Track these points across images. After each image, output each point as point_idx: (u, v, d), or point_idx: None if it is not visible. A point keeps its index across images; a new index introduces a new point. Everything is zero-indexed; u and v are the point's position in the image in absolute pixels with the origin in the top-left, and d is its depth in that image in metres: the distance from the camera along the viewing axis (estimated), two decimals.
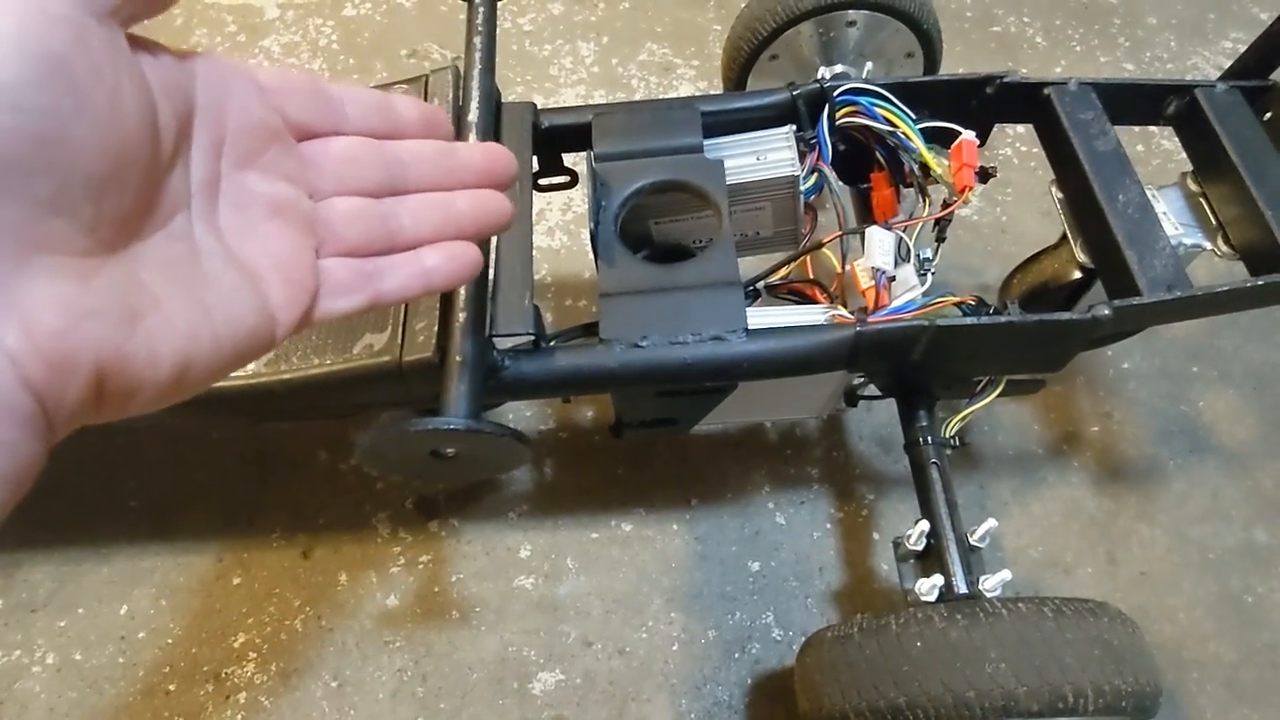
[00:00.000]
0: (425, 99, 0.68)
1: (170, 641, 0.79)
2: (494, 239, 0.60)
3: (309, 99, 0.30)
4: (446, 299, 0.57)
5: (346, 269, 0.30)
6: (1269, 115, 0.68)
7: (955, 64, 1.19)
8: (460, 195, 0.33)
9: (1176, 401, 0.93)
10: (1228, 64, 0.73)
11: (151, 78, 0.24)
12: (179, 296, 0.24)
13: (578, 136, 0.68)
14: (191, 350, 0.24)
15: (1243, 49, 0.71)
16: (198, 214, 0.26)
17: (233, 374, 0.59)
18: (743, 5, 0.89)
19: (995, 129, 0.74)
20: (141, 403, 0.24)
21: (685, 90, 1.17)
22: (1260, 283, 0.60)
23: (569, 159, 0.73)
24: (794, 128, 0.69)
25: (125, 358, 0.22)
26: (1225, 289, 0.59)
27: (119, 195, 0.23)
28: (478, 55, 0.64)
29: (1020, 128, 1.14)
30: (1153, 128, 1.12)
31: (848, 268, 0.67)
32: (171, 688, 0.77)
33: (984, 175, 0.68)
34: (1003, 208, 1.06)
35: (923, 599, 0.63)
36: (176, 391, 0.24)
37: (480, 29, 0.64)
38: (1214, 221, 0.67)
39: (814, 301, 0.68)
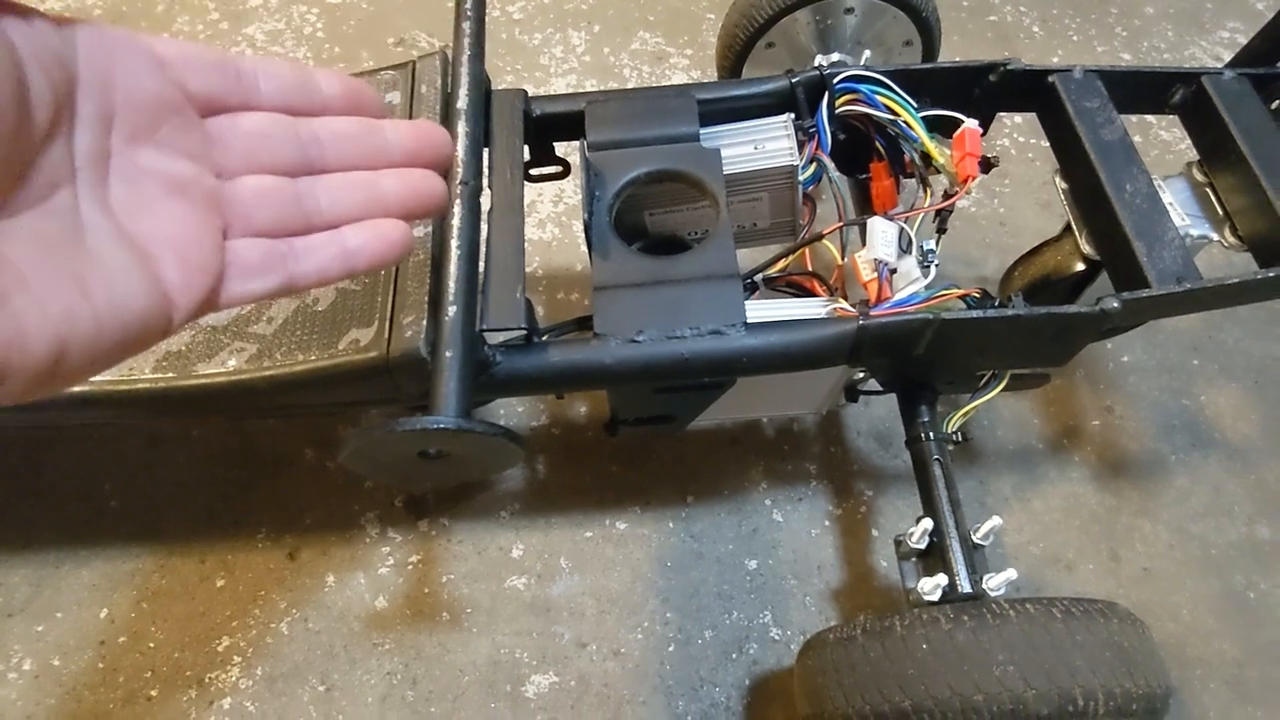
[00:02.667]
0: (413, 85, 0.66)
1: (152, 646, 0.77)
2: (484, 230, 0.58)
3: (214, 72, 0.28)
4: (435, 292, 0.55)
5: (257, 250, 0.29)
6: (1278, 103, 0.67)
7: (952, 54, 1.17)
8: (387, 175, 0.31)
9: (1178, 395, 0.92)
10: (1225, 54, 0.71)
11: (20, 45, 0.22)
12: (53, 276, 0.23)
13: (570, 125, 0.66)
14: (67, 333, 0.23)
15: (1240, 39, 0.70)
16: (85, 190, 0.25)
17: (214, 371, 0.57)
18: None
19: (996, 116, 0.73)
20: (16, 389, 0.22)
21: (678, 80, 1.15)
22: (1271, 274, 0.58)
23: (561, 149, 0.71)
24: (792, 116, 0.67)
25: None
26: (1235, 281, 0.58)
27: None
28: (466, 41, 0.62)
29: (1018, 118, 1.12)
30: (1150, 118, 1.11)
31: (848, 259, 0.65)
32: (153, 693, 0.75)
33: (986, 165, 0.67)
34: (1001, 199, 1.05)
35: (926, 599, 0.61)
36: (55, 377, 0.23)
37: (469, 15, 0.62)
38: (1221, 212, 0.66)
39: (813, 294, 0.66)
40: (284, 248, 0.29)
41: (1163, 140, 1.12)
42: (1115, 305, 0.56)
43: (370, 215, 0.31)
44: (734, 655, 0.78)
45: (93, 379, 0.57)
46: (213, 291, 0.27)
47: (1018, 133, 1.11)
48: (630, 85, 1.14)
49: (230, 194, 0.29)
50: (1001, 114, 0.74)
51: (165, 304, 0.26)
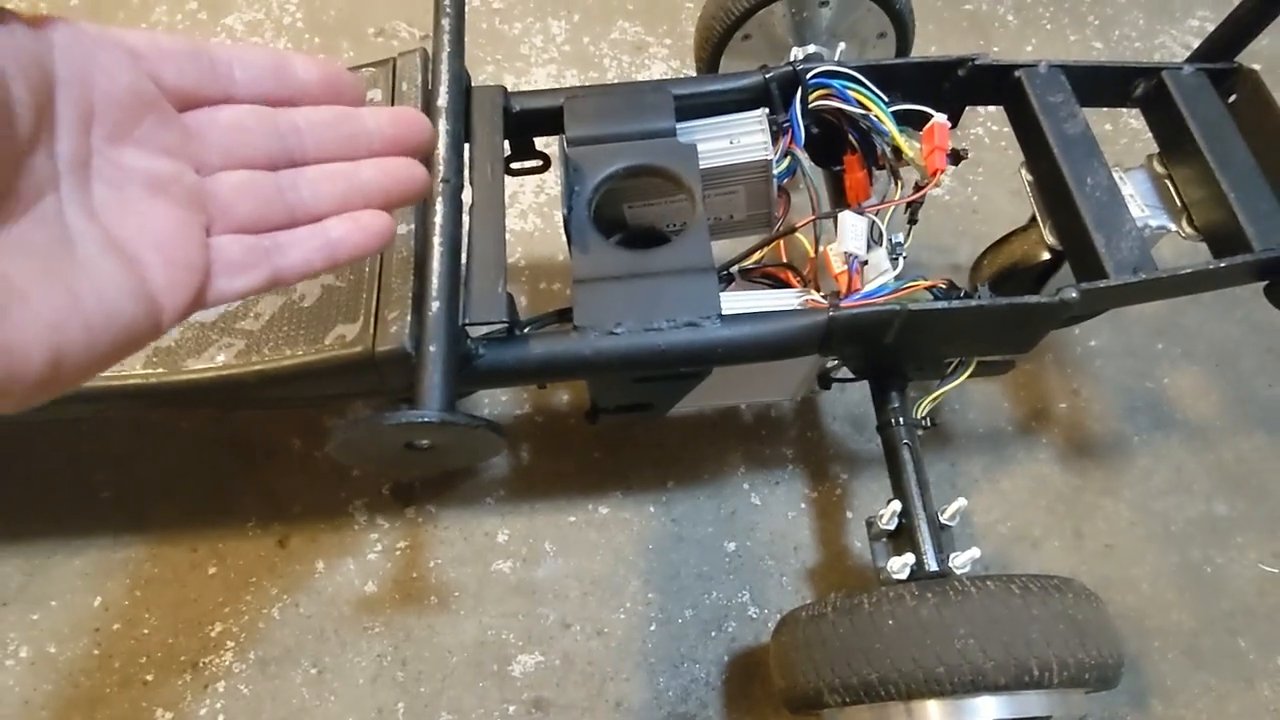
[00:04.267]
0: (394, 82, 0.67)
1: (146, 632, 0.79)
2: (466, 224, 0.59)
3: (189, 63, 0.28)
4: (419, 287, 0.56)
5: (241, 246, 0.29)
6: (1234, 98, 0.69)
7: (927, 43, 1.19)
8: (366, 164, 0.31)
9: (1142, 378, 0.95)
10: (1195, 43, 0.73)
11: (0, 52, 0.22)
12: (47, 286, 0.23)
13: (549, 120, 0.68)
14: (62, 342, 0.23)
15: (1209, 28, 0.72)
16: (68, 195, 0.25)
17: (204, 366, 0.58)
18: None
19: (966, 108, 0.75)
20: (15, 400, 0.23)
21: (657, 69, 1.16)
22: (1223, 265, 0.61)
23: (541, 142, 0.72)
24: (766, 111, 0.69)
25: None
26: (1189, 271, 0.61)
27: None
28: (446, 37, 0.63)
29: (992, 107, 1.14)
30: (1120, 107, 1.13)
31: (820, 251, 0.67)
32: (149, 678, 0.77)
33: (955, 158, 0.69)
34: (974, 188, 1.07)
35: (895, 577, 0.64)
36: (51, 386, 0.23)
37: (448, 12, 0.63)
38: (1179, 203, 0.68)
39: (788, 286, 0.68)
40: (267, 242, 0.29)
41: (1132, 128, 1.14)
42: (1074, 295, 0.59)
43: (351, 205, 0.31)
44: (713, 633, 0.80)
45: None
46: (199, 290, 0.28)
47: (991, 121, 1.13)
48: (610, 75, 1.15)
49: (211, 190, 0.28)
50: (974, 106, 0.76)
51: (153, 307, 0.26)
